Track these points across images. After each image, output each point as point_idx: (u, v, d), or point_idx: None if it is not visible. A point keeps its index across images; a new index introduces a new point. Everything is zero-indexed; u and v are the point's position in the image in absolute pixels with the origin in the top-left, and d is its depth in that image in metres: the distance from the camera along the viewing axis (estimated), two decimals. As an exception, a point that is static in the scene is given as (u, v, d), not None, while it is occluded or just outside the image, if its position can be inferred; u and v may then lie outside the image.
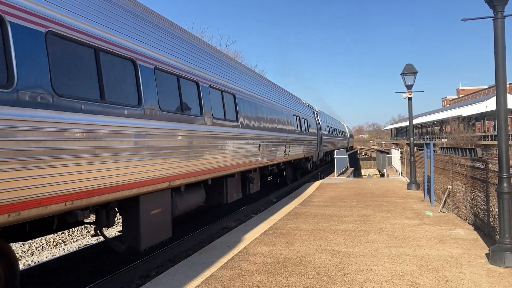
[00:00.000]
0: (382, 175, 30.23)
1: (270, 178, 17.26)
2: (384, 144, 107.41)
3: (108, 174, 5.70)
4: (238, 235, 8.96)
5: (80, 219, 5.59)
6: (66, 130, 4.97)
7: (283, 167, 18.56)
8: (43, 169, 4.64)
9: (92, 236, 7.55)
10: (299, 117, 20.60)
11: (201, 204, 9.87)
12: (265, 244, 8.03)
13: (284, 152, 16.77)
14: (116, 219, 7.01)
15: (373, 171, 43.19)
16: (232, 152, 10.57)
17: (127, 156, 6.16)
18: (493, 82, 6.78)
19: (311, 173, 26.18)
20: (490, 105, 58.42)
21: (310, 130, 23.21)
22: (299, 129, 20.08)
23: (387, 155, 30.05)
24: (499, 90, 6.62)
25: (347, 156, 31.29)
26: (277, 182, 20.09)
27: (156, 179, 6.92)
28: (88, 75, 5.57)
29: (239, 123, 11.36)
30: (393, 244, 7.87)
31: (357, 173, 37.62)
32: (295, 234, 8.86)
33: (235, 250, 7.64)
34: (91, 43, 5.57)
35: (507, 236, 6.42)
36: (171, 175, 7.39)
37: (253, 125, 12.78)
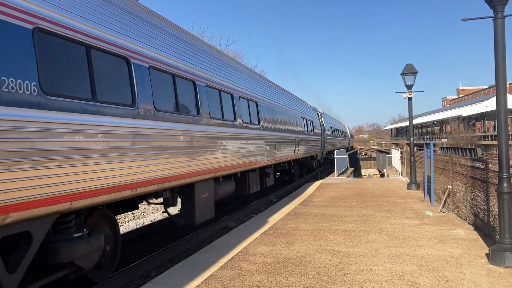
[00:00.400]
0: (382, 175, 30.23)
1: (278, 174, 19.16)
2: (384, 144, 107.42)
3: (177, 165, 7.61)
4: (238, 235, 8.96)
5: (164, 197, 7.88)
6: (165, 134, 7.18)
7: (292, 164, 20.28)
8: (151, 161, 6.68)
9: (163, 212, 10.12)
10: (306, 119, 22.45)
11: (232, 192, 11.56)
12: (265, 244, 8.03)
13: (294, 151, 18.57)
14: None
15: (373, 171, 43.19)
16: (254, 151, 12.53)
17: (187, 152, 8.00)
18: (493, 82, 6.78)
19: (315, 171, 27.59)
20: (490, 105, 58.42)
21: (315, 131, 24.97)
22: (306, 130, 21.94)
23: (387, 155, 30.06)
24: (499, 90, 6.62)
25: (347, 156, 31.32)
26: (285, 179, 21.34)
27: (205, 171, 8.85)
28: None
29: (260, 125, 13.39)
30: (393, 244, 7.87)
31: (357, 173, 37.62)
32: (295, 234, 8.86)
33: (235, 250, 7.64)
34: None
35: (507, 236, 6.42)
36: (214, 168, 9.34)
37: (271, 127, 14.73)
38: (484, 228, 8.54)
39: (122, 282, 6.97)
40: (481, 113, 64.40)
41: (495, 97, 6.83)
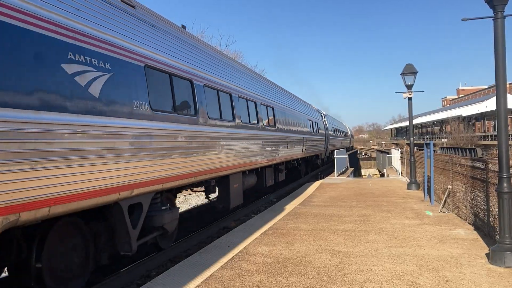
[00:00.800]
0: (382, 175, 30.22)
1: (285, 171, 20.36)
2: (384, 144, 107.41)
3: (219, 161, 9.72)
4: (238, 235, 8.97)
5: (212, 184, 10.14)
6: (213, 137, 9.43)
7: (300, 162, 22.52)
8: (204, 156, 8.87)
9: (205, 198, 12.05)
10: (312, 121, 24.75)
11: (253, 185, 13.68)
12: (265, 244, 8.03)
13: (302, 150, 20.76)
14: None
15: (373, 171, 43.15)
16: (271, 150, 14.76)
17: (226, 151, 10.13)
18: (493, 82, 6.77)
19: (319, 168, 29.60)
20: (490, 105, 58.43)
21: (319, 131, 27.19)
22: (312, 131, 24.26)
23: (387, 155, 30.03)
24: (499, 90, 6.62)
25: (347, 156, 31.35)
26: (292, 175, 22.82)
27: (237, 165, 11.05)
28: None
29: (276, 127, 15.65)
30: (393, 244, 7.87)
31: (357, 173, 37.59)
32: (295, 234, 8.86)
33: (235, 250, 7.64)
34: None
35: (507, 236, 6.42)
36: (243, 163, 11.50)
37: (284, 129, 16.86)
38: (484, 228, 8.54)
39: (122, 282, 6.97)
40: (481, 113, 64.43)
41: (495, 97, 6.83)
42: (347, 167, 29.89)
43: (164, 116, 7.18)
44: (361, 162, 50.45)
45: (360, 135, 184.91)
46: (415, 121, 78.60)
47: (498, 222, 6.72)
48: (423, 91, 18.33)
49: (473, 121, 70.42)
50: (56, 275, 5.45)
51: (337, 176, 23.67)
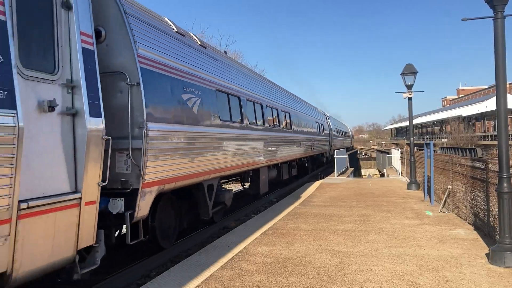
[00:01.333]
0: (382, 175, 30.23)
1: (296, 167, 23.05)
2: (384, 144, 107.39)
3: (255, 157, 12.53)
4: (238, 235, 8.97)
5: (249, 175, 13.34)
6: (252, 138, 12.57)
7: (308, 159, 25.28)
8: (249, 153, 11.87)
9: (241, 186, 14.93)
10: (318, 123, 27.64)
11: (274, 177, 16.35)
12: (265, 244, 8.03)
13: (311, 148, 23.71)
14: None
15: (373, 171, 43.17)
16: (288, 149, 17.62)
17: (259, 150, 13.04)
18: (493, 82, 6.78)
19: (324, 166, 32.22)
20: (490, 105, 58.41)
21: (324, 132, 29.99)
22: (319, 132, 27.11)
23: (387, 155, 30.05)
24: (499, 90, 6.62)
25: (347, 156, 31.41)
26: (300, 171, 24.27)
27: (265, 161, 13.81)
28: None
29: (292, 129, 18.46)
30: (393, 244, 7.87)
31: (357, 173, 37.61)
32: (295, 234, 8.86)
33: (235, 250, 7.65)
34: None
35: (507, 236, 6.42)
36: (268, 159, 14.25)
37: (297, 130, 19.85)
38: (484, 228, 8.54)
39: (122, 282, 6.97)
40: (481, 113, 64.42)
41: (495, 97, 6.83)
42: (347, 167, 29.91)
43: (226, 124, 10.07)
44: (361, 162, 50.47)
45: (360, 135, 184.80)
46: (415, 121, 78.55)
47: (498, 222, 6.72)
48: (423, 91, 18.37)
49: (473, 121, 70.41)
50: (161, 230, 7.98)
51: (337, 176, 23.67)
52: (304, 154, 21.64)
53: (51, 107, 4.65)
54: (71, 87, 5.01)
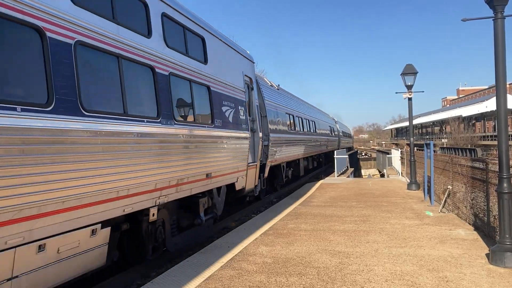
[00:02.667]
0: (382, 175, 30.22)
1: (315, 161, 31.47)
2: (384, 144, 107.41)
3: (300, 152, 21.33)
4: (238, 235, 8.97)
5: (296, 162, 21.61)
6: (301, 139, 22.44)
7: (323, 155, 33.35)
8: (295, 149, 20.18)
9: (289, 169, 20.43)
10: (331, 127, 36.79)
11: (305, 166, 23.24)
12: (265, 244, 8.03)
13: (326, 147, 31.89)
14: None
15: (373, 171, 43.13)
16: (312, 146, 25.00)
17: (301, 146, 21.83)
18: (493, 82, 6.78)
19: (330, 163, 37.73)
20: (490, 105, 58.45)
21: (334, 133, 38.79)
22: (330, 134, 35.73)
23: (387, 155, 30.06)
24: (499, 90, 6.62)
25: (347, 156, 31.47)
26: (318, 163, 32.12)
27: (300, 154, 21.27)
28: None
29: (316, 133, 26.63)
30: (393, 244, 7.87)
31: (357, 173, 37.59)
32: (295, 234, 8.86)
33: (235, 250, 7.65)
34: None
35: (507, 236, 6.42)
36: (304, 153, 22.08)
37: (317, 132, 27.74)
38: (484, 228, 8.54)
39: (122, 282, 6.97)
40: (481, 113, 64.45)
41: (495, 97, 6.84)
42: (347, 167, 29.92)
43: (286, 131, 17.61)
44: (361, 162, 50.45)
45: (360, 136, 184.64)
46: (415, 122, 78.59)
47: (498, 223, 6.72)
48: (423, 92, 18.42)
49: (473, 121, 70.41)
50: (274, 179, 17.14)
51: (337, 176, 23.67)
52: (321, 151, 30.07)
53: (251, 129, 11.77)
54: (252, 120, 12.22)
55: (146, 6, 6.72)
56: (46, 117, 4.41)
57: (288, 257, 7.11)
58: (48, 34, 4.58)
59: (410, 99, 16.29)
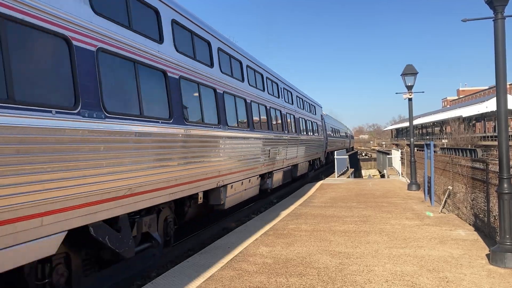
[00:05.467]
0: (383, 176, 30.23)
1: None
2: (384, 145, 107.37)
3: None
4: (239, 236, 8.96)
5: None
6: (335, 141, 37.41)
7: (345, 149, 42.14)
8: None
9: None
10: (346, 132, 50.69)
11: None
12: (266, 245, 8.03)
13: (344, 145, 43.18)
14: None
15: (374, 171, 43.18)
16: (340, 142, 41.24)
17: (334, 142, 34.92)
18: (493, 83, 6.76)
19: (348, 152, 47.20)
20: (490, 105, 58.40)
21: (347, 135, 53.43)
22: (346, 136, 50.08)
23: (388, 156, 30.07)
24: (499, 90, 6.62)
25: (347, 156, 31.51)
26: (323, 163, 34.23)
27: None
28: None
29: (346, 135, 50.85)
30: (393, 244, 7.87)
31: (357, 174, 37.62)
32: (296, 234, 8.86)
33: (236, 251, 7.64)
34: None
35: (507, 236, 6.42)
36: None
37: (341, 135, 43.74)
38: (484, 229, 8.54)
39: (122, 282, 6.97)
40: (482, 114, 64.37)
41: (495, 98, 6.84)
42: (348, 167, 29.94)
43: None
44: (361, 163, 50.45)
45: (361, 136, 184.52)
46: (415, 122, 78.58)
47: (498, 223, 6.72)
48: (423, 92, 18.48)
49: (474, 121, 70.34)
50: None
51: (337, 177, 23.68)
52: (337, 148, 37.65)
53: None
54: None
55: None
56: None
57: (288, 258, 7.11)
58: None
59: (410, 99, 16.30)
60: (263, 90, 13.67)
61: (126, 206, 5.72)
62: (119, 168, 5.51)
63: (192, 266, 6.82)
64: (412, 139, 17.36)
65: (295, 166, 18.51)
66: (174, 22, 7.59)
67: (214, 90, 9.16)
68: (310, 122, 22.46)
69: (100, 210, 5.17)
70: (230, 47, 10.71)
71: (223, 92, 9.57)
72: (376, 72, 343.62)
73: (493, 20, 6.58)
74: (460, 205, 10.49)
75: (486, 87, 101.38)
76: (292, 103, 18.38)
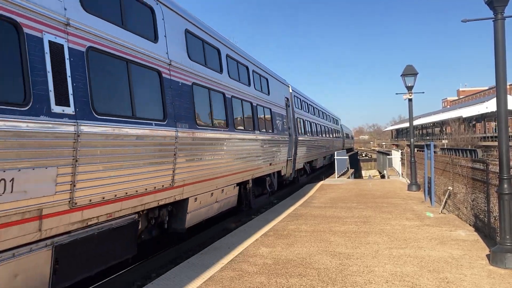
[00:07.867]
0: (383, 176, 30.22)
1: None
2: (384, 145, 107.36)
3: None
4: (239, 236, 8.96)
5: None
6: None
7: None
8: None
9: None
10: (347, 133, 53.68)
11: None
12: (266, 246, 8.02)
13: (351, 145, 60.15)
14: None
15: (374, 172, 43.18)
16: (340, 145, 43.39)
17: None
18: (493, 83, 6.76)
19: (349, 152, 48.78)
20: (490, 106, 58.32)
21: (350, 137, 58.48)
22: (348, 137, 56.58)
23: (388, 156, 30.07)
24: (499, 91, 6.62)
25: (347, 157, 31.46)
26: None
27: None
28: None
29: (348, 137, 59.30)
30: (393, 245, 7.86)
31: (357, 174, 37.60)
32: (296, 235, 8.86)
33: (236, 252, 7.64)
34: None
35: (507, 237, 6.41)
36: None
37: (346, 136, 53.24)
38: (484, 229, 8.53)
39: (122, 283, 6.97)
40: (482, 114, 64.30)
41: (495, 98, 6.84)
42: (348, 168, 29.93)
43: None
44: (361, 163, 50.42)
45: (361, 136, 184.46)
46: (415, 122, 78.56)
47: (498, 223, 6.71)
48: (423, 92, 18.55)
49: (474, 122, 70.33)
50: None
51: (337, 177, 23.68)
52: (345, 147, 43.81)
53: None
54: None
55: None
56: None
57: (288, 258, 7.10)
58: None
59: (410, 100, 16.29)
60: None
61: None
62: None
63: (192, 267, 6.82)
64: (412, 140, 17.36)
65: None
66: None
67: (270, 109, 14.28)
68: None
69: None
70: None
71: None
72: (376, 72, 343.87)
73: (493, 21, 6.58)
74: (460, 206, 10.48)
75: (486, 88, 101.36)
76: None
